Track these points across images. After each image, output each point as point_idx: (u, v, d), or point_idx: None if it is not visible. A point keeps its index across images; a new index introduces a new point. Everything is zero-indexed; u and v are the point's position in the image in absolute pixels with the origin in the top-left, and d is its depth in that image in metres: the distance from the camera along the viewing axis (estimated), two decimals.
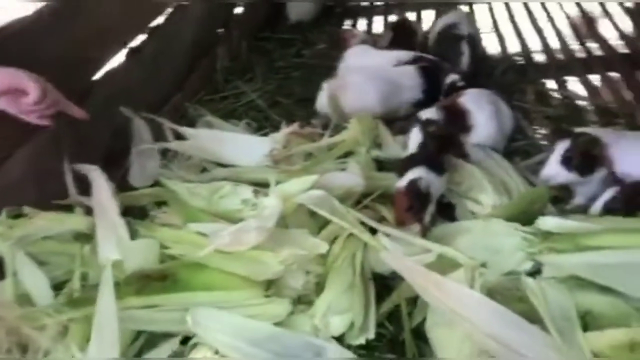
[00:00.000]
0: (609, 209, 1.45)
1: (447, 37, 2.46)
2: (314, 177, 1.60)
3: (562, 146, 1.62)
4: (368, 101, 2.09)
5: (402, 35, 2.72)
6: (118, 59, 2.18)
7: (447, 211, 1.66)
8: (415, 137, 1.77)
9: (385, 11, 3.73)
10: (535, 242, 1.34)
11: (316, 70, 2.75)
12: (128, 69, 2.17)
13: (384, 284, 1.49)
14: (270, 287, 1.33)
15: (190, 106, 2.43)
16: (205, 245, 1.31)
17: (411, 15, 3.53)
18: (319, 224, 1.55)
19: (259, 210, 1.55)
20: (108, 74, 2.08)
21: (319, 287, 1.40)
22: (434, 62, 2.29)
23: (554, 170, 1.63)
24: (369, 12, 3.76)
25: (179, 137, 2.10)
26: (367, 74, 2.16)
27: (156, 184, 1.89)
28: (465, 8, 3.37)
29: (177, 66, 2.55)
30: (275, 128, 2.25)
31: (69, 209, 1.66)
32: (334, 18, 3.59)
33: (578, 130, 1.67)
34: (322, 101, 2.17)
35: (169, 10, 2.53)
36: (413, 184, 1.55)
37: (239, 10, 3.23)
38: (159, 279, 1.26)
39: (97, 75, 2.04)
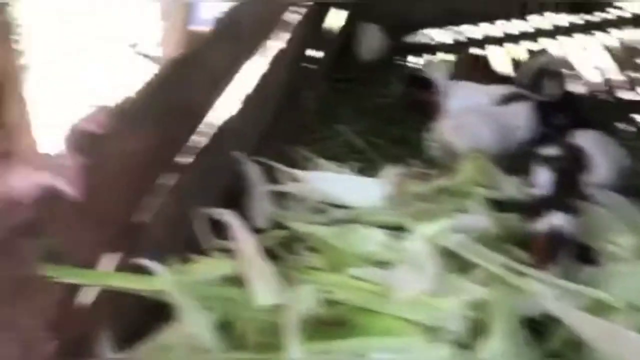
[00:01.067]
0: None
1: (545, 77, 2.50)
2: (449, 220, 1.63)
3: None
4: (483, 142, 2.12)
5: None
6: (226, 104, 2.25)
7: (585, 254, 1.67)
8: (543, 177, 1.77)
9: (448, 47, 3.78)
10: None
11: (406, 110, 2.79)
12: (238, 113, 2.23)
13: (531, 326, 1.49)
14: (430, 331, 1.34)
15: (289, 149, 2.49)
16: (369, 290, 1.34)
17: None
18: (456, 267, 1.57)
19: (399, 254, 1.58)
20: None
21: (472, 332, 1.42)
22: (540, 100, 2.31)
23: None
24: (430, 49, 3.81)
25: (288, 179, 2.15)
26: (480, 114, 2.19)
27: (275, 226, 1.94)
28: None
29: (272, 108, 2.62)
30: (376, 169, 2.29)
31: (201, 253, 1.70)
32: (399, 55, 3.64)
33: None
34: (432, 141, 2.20)
35: (269, 53, 2.61)
36: (556, 230, 1.56)
37: (314, 52, 3.32)
38: (335, 325, 1.29)
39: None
